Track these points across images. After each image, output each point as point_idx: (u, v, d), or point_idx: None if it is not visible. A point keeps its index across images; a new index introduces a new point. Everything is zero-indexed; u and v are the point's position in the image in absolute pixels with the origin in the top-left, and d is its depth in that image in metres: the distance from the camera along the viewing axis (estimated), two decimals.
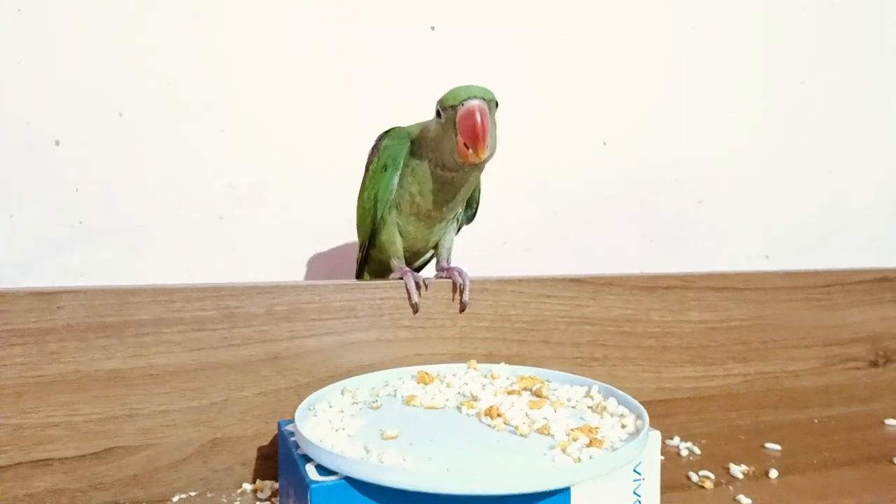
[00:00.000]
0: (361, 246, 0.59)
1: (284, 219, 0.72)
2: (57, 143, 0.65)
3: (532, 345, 0.57)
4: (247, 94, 0.70)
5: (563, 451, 0.37)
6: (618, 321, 0.60)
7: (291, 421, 0.43)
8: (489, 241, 0.78)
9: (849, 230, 0.93)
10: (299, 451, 0.39)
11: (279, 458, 0.44)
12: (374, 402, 0.46)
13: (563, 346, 0.58)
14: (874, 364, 0.70)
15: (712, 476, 0.51)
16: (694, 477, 0.51)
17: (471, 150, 0.47)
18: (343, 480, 0.34)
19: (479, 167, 0.51)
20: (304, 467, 0.36)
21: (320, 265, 0.73)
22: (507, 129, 0.75)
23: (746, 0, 0.87)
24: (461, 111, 0.47)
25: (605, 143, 0.83)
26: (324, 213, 0.73)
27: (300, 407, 0.42)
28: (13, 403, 0.45)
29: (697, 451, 0.57)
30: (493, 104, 0.49)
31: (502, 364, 0.52)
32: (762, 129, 0.89)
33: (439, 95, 0.49)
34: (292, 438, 0.41)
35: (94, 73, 0.65)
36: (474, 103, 0.47)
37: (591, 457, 0.37)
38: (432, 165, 0.51)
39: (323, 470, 0.36)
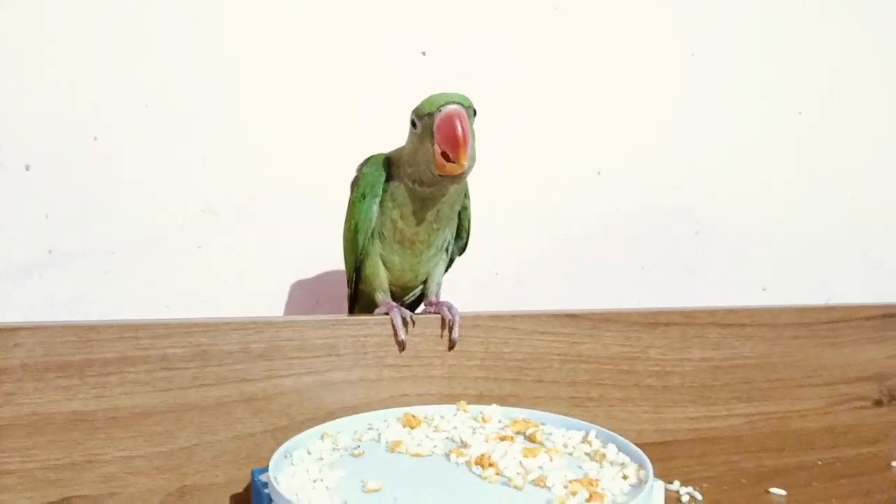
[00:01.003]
0: (350, 281, 0.56)
1: (267, 247, 0.69)
2: (27, 167, 0.62)
3: (526, 384, 0.54)
4: (228, 119, 0.67)
5: None
6: (616, 359, 0.57)
7: (266, 469, 0.40)
8: (480, 273, 0.75)
9: (851, 261, 0.91)
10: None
11: None
12: (356, 449, 0.42)
13: (558, 386, 0.55)
14: (879, 403, 0.67)
15: None
16: None
17: (450, 161, 0.44)
18: None
19: (458, 180, 0.48)
20: None
21: (305, 295, 0.70)
22: (499, 157, 0.74)
23: (748, 26, 0.86)
24: (438, 118, 0.44)
25: (599, 173, 0.81)
26: (309, 242, 0.69)
27: (275, 455, 0.39)
28: None
29: (699, 496, 0.54)
30: (471, 111, 0.46)
31: (494, 406, 0.49)
32: (760, 160, 0.87)
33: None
34: (266, 490, 0.37)
35: (68, 94, 0.63)
36: (452, 108, 0.44)
37: None
38: (410, 182, 0.49)
39: None
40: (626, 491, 0.37)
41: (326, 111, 0.71)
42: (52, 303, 0.63)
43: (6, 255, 0.61)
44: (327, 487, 0.36)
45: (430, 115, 0.45)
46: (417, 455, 0.42)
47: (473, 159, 0.47)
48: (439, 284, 0.56)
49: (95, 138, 0.63)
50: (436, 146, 0.45)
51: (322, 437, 0.44)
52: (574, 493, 0.35)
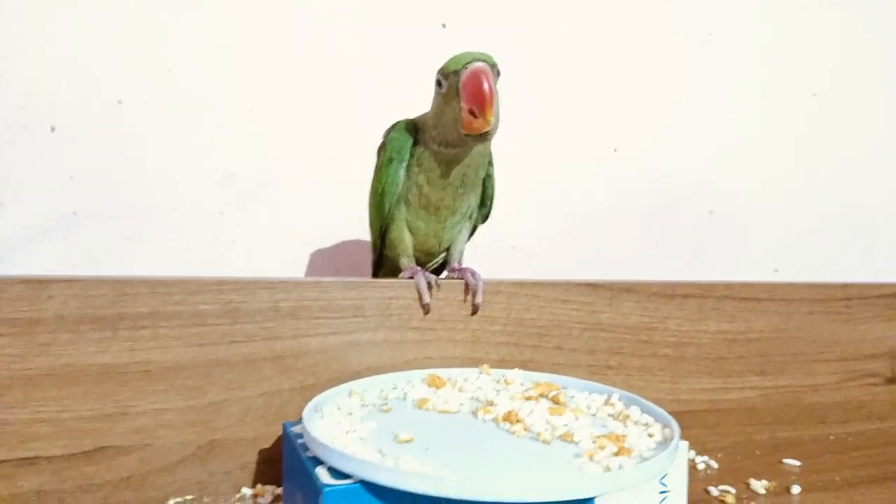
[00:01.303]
0: (374, 246, 0.56)
1: (288, 215, 0.69)
2: (52, 129, 0.62)
3: (546, 351, 0.55)
4: (250, 86, 0.68)
5: (591, 458, 0.35)
6: (635, 329, 0.57)
7: (297, 423, 0.41)
8: (496, 247, 0.76)
9: (862, 244, 0.91)
10: (308, 454, 0.36)
11: (283, 462, 0.41)
12: (384, 405, 0.43)
13: (577, 353, 0.56)
14: (891, 380, 0.67)
15: (733, 491, 0.49)
16: (714, 491, 0.49)
17: (477, 118, 0.45)
18: (357, 484, 0.32)
19: (483, 140, 0.49)
20: (313, 470, 0.34)
21: (325, 263, 0.71)
22: (517, 132, 0.74)
23: (762, 10, 0.86)
24: (464, 75, 0.45)
25: (615, 150, 0.81)
26: (329, 211, 0.70)
27: (307, 408, 0.40)
28: None
29: (714, 465, 0.55)
30: (496, 70, 0.47)
31: (516, 370, 0.50)
32: (775, 141, 0.88)
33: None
34: (300, 441, 0.38)
35: (94, 58, 0.63)
36: (478, 65, 0.45)
37: (620, 466, 0.34)
38: (435, 145, 0.49)
39: (335, 473, 0.33)
40: (653, 448, 0.37)
41: (347, 82, 0.71)
42: (74, 265, 0.63)
43: (31, 215, 0.62)
44: (361, 438, 0.37)
45: (456, 73, 0.46)
46: (445, 412, 0.42)
47: (498, 119, 0.47)
48: (462, 252, 0.56)
49: (120, 102, 0.64)
50: (462, 104, 0.45)
51: (350, 395, 0.45)
52: (602, 448, 0.36)
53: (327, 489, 0.31)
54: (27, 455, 0.42)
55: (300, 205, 0.70)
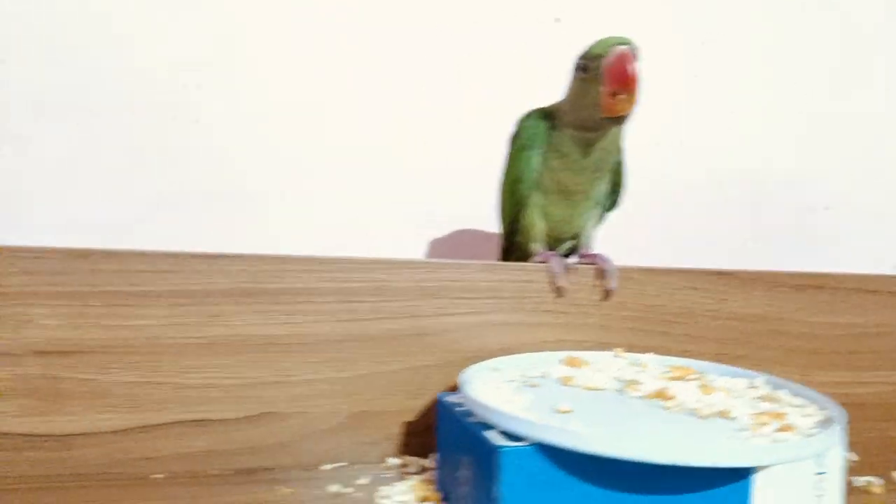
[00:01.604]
0: (504, 233, 0.58)
1: (411, 205, 0.72)
2: (197, 120, 0.67)
3: (675, 338, 0.55)
4: (383, 77, 0.71)
5: (754, 432, 0.35)
6: (765, 319, 0.57)
7: (449, 394, 0.43)
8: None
9: None
10: (472, 420, 0.37)
11: (438, 432, 0.43)
12: (529, 382, 0.44)
13: (706, 342, 0.56)
14: None
15: (879, 481, 0.48)
16: (857, 482, 0.48)
17: (621, 97, 0.47)
18: (534, 446, 0.33)
19: (619, 123, 0.50)
20: (483, 434, 0.35)
21: (447, 253, 0.73)
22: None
23: None
24: (610, 57, 0.47)
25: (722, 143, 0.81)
26: (449, 204, 0.72)
27: (462, 379, 0.41)
28: (174, 362, 0.45)
29: (855, 456, 0.54)
30: (637, 54, 0.48)
31: (650, 354, 0.50)
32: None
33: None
34: (458, 409, 0.40)
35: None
36: (624, 48, 0.46)
37: (785, 440, 0.34)
38: (571, 130, 0.51)
39: (507, 437, 0.34)
40: (813, 427, 0.37)
41: (463, 77, 0.73)
42: (204, 241, 0.68)
43: (175, 193, 0.67)
44: (522, 408, 0.38)
45: (599, 56, 0.47)
46: (592, 388, 0.43)
47: (636, 102, 0.48)
48: (592, 237, 0.57)
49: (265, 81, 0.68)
50: (604, 87, 0.47)
51: (493, 371, 0.46)
52: (764, 424, 0.36)
53: (506, 450, 0.33)
54: (200, 417, 0.45)
55: (424, 195, 0.72)
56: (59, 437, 0.43)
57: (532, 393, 0.42)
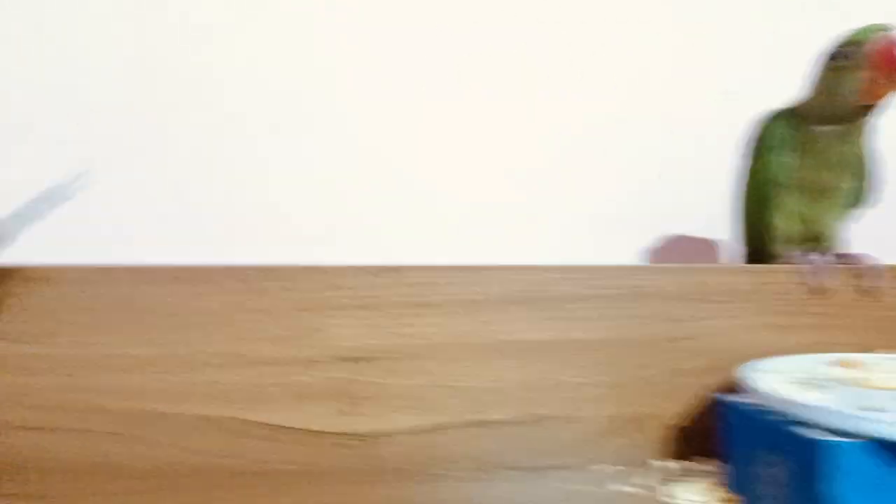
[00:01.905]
0: (748, 238, 0.58)
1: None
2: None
3: None
4: (584, 76, 0.73)
5: None
6: None
7: (730, 394, 0.43)
8: None
9: None
10: (776, 418, 0.37)
11: (724, 433, 0.43)
12: (813, 382, 0.44)
13: None
14: None
15: None
16: None
17: (882, 82, 0.47)
18: (863, 441, 0.33)
19: (874, 111, 0.50)
20: (801, 432, 0.35)
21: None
22: None
23: None
24: (876, 43, 0.47)
25: None
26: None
27: (749, 378, 0.41)
28: (453, 367, 0.49)
29: None
30: None
31: None
32: None
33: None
34: (748, 408, 0.40)
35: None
36: (891, 34, 0.46)
37: None
38: (819, 125, 0.51)
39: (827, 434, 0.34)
40: None
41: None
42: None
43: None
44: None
45: (860, 43, 0.47)
46: (889, 388, 0.42)
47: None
48: (842, 237, 0.56)
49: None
50: (865, 73, 0.47)
51: (763, 373, 0.46)
52: None
53: (845, 444, 0.33)
54: (479, 418, 0.49)
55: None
56: (362, 437, 0.48)
57: (822, 392, 0.41)
